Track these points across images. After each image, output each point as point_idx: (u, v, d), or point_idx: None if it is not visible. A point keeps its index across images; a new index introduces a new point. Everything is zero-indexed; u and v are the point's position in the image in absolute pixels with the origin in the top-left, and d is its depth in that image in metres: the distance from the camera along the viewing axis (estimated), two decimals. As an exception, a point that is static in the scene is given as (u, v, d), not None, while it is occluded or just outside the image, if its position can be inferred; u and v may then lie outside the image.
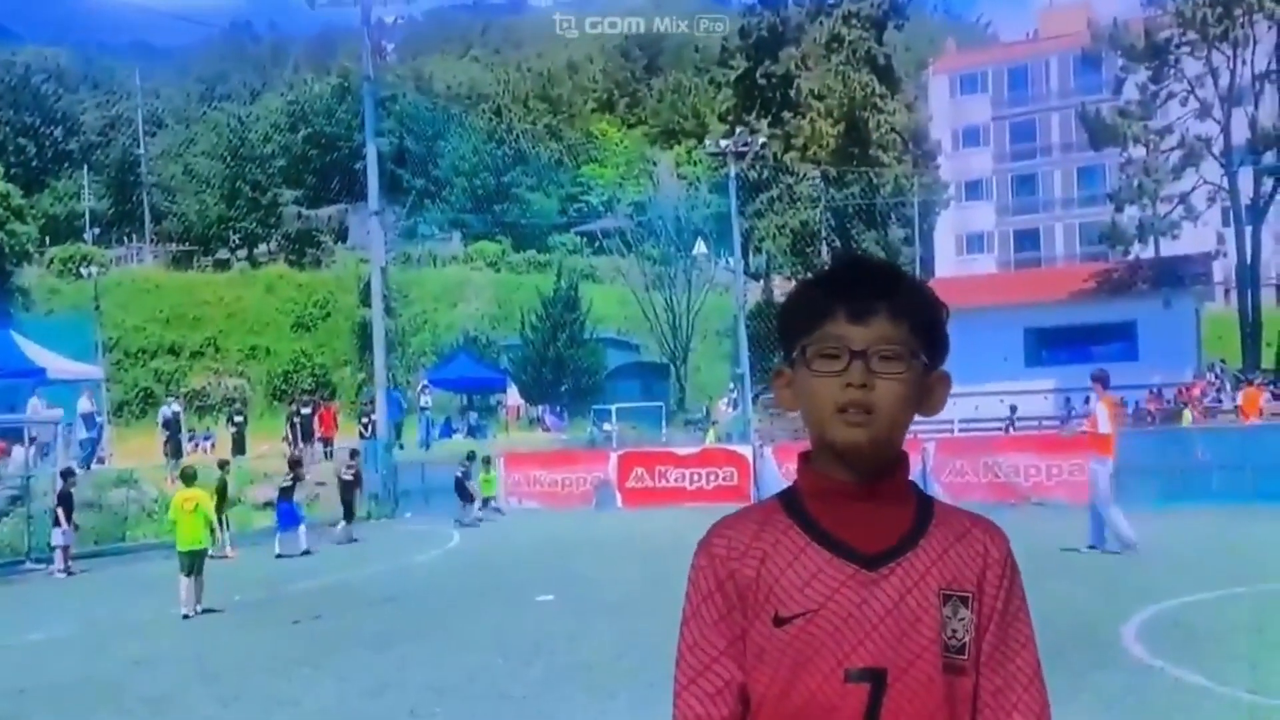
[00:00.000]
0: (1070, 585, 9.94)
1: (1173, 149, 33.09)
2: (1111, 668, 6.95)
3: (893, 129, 40.12)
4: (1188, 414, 23.78)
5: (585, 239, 44.67)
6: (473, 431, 31.14)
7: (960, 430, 23.55)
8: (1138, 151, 33.42)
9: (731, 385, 30.11)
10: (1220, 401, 25.85)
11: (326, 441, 25.62)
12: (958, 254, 46.38)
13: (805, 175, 38.98)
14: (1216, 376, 28.76)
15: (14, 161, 38.88)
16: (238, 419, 26.52)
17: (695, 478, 22.19)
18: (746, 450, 23.15)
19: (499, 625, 9.31)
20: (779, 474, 22.10)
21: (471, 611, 10.04)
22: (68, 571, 14.93)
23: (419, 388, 31.28)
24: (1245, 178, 32.73)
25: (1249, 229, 32.45)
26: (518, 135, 46.11)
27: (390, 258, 29.99)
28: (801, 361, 1.38)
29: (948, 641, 1.36)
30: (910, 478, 1.42)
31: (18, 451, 18.93)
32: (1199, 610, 8.72)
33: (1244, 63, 32.21)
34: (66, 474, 16.09)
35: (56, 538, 15.02)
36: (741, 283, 32.06)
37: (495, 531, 17.77)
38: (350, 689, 7.26)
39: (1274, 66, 32.63)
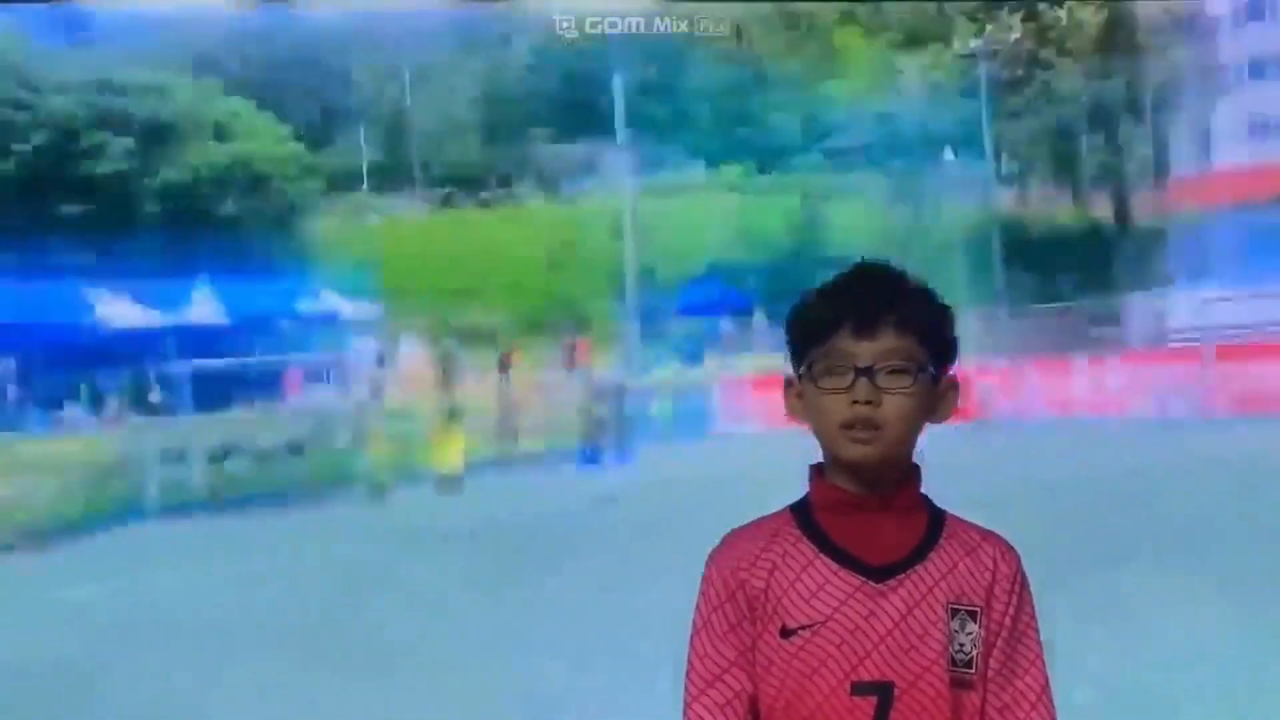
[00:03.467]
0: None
1: None
2: None
3: (1163, 9, 36.79)
4: None
5: (828, 157, 43.92)
6: (717, 356, 31.72)
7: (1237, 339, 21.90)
8: None
9: (982, 299, 29.10)
10: None
11: (583, 372, 27.04)
12: (1243, 141, 42.10)
13: (1064, 70, 36.59)
14: None
15: (302, 122, 42.38)
16: (499, 351, 28.39)
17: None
18: (996, 365, 22.56)
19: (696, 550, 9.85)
20: (1031, 390, 21.45)
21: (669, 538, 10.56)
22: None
23: (669, 315, 32.12)
24: None
25: None
26: (759, 56, 45.68)
27: (638, 189, 30.85)
28: (808, 377, 1.42)
29: (955, 656, 1.37)
30: (922, 490, 1.45)
31: (318, 388, 21.24)
32: None
33: None
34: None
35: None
36: (994, 190, 30.78)
37: (712, 456, 18.27)
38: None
39: None
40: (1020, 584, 1.44)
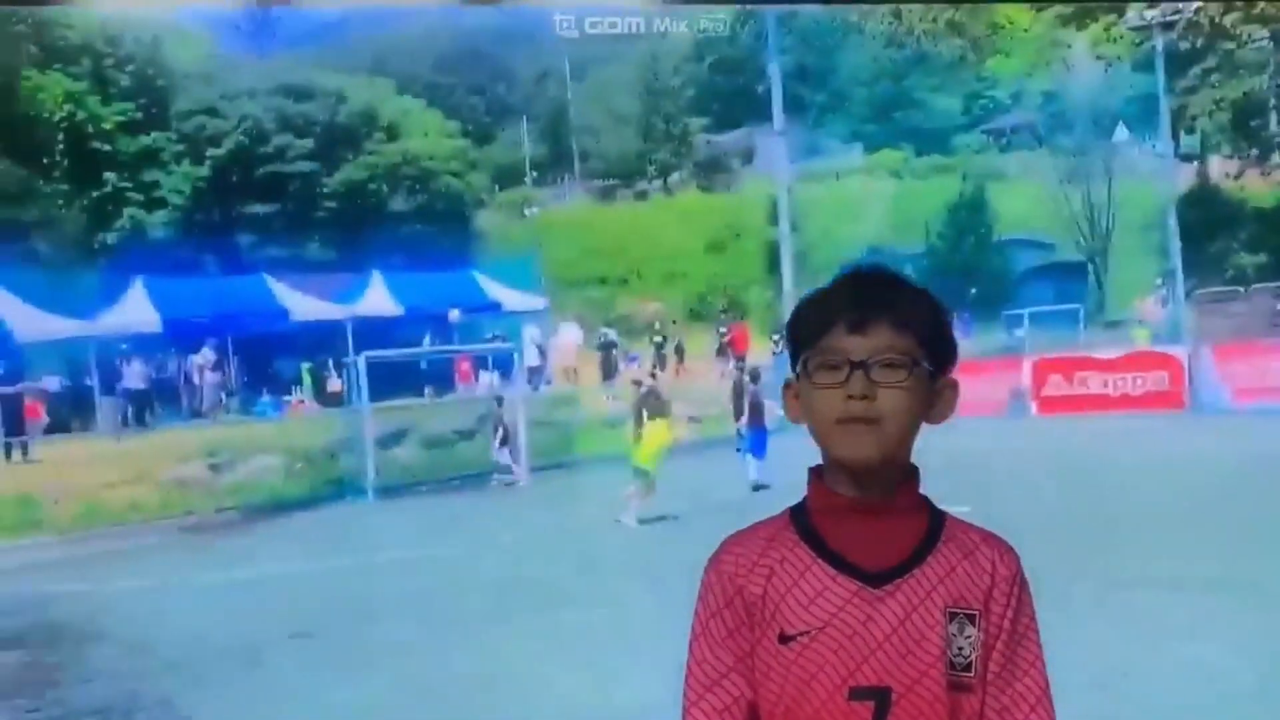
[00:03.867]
0: None
1: None
2: None
3: (1363, -31, 34.19)
4: None
5: (991, 137, 42.64)
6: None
7: None
8: None
9: (1160, 281, 27.89)
10: None
11: (740, 358, 27.20)
12: None
13: (1250, 38, 34.51)
14: None
15: (467, 118, 43.83)
16: (657, 339, 28.84)
17: (1120, 383, 21.15)
18: (1180, 351, 21.67)
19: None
20: (1217, 377, 20.56)
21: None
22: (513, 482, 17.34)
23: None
24: None
25: None
26: (918, 36, 44.67)
27: (794, 175, 30.75)
28: (804, 375, 1.39)
29: (953, 660, 1.35)
30: (921, 491, 1.42)
31: (484, 376, 22.08)
32: None
33: None
34: (499, 400, 18.69)
35: (502, 456, 17.69)
36: (1172, 167, 29.38)
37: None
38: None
39: None
40: (1019, 586, 1.41)
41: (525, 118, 45.81)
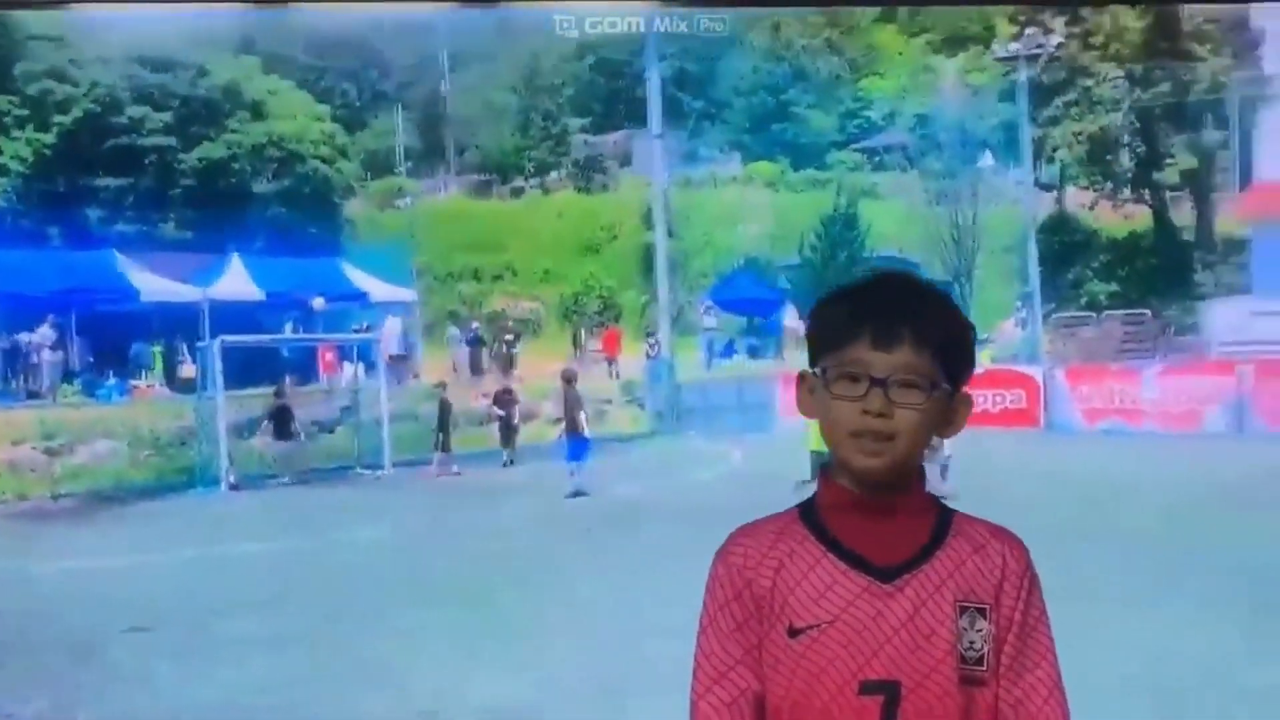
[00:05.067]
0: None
1: None
2: None
3: (1207, 18, 36.30)
4: None
5: (865, 155, 43.69)
6: (752, 352, 31.67)
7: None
8: None
9: (1019, 304, 28.94)
10: None
11: (610, 361, 27.09)
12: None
13: (1106, 76, 36.22)
14: None
15: (338, 104, 42.55)
16: (507, 338, 28.42)
17: (981, 400, 21.70)
18: (1036, 371, 22.40)
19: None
20: (1070, 397, 21.27)
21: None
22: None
23: (701, 308, 32.08)
24: None
25: None
26: (797, 51, 45.49)
27: (671, 181, 30.80)
28: (823, 380, 1.39)
29: (965, 653, 1.36)
30: (928, 489, 1.43)
31: (347, 367, 21.32)
32: None
33: None
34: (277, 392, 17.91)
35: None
36: (1032, 196, 30.53)
37: (774, 450, 18.24)
38: (643, 598, 7.96)
39: None
40: (1030, 579, 1.42)
41: (400, 106, 44.73)
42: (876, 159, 42.59)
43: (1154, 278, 30.64)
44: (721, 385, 23.92)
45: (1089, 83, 36.43)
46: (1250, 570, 7.97)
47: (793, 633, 1.37)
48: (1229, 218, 31.22)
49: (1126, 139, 34.96)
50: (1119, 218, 34.68)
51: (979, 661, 1.37)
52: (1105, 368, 22.44)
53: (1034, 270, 27.25)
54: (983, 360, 23.31)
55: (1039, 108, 33.09)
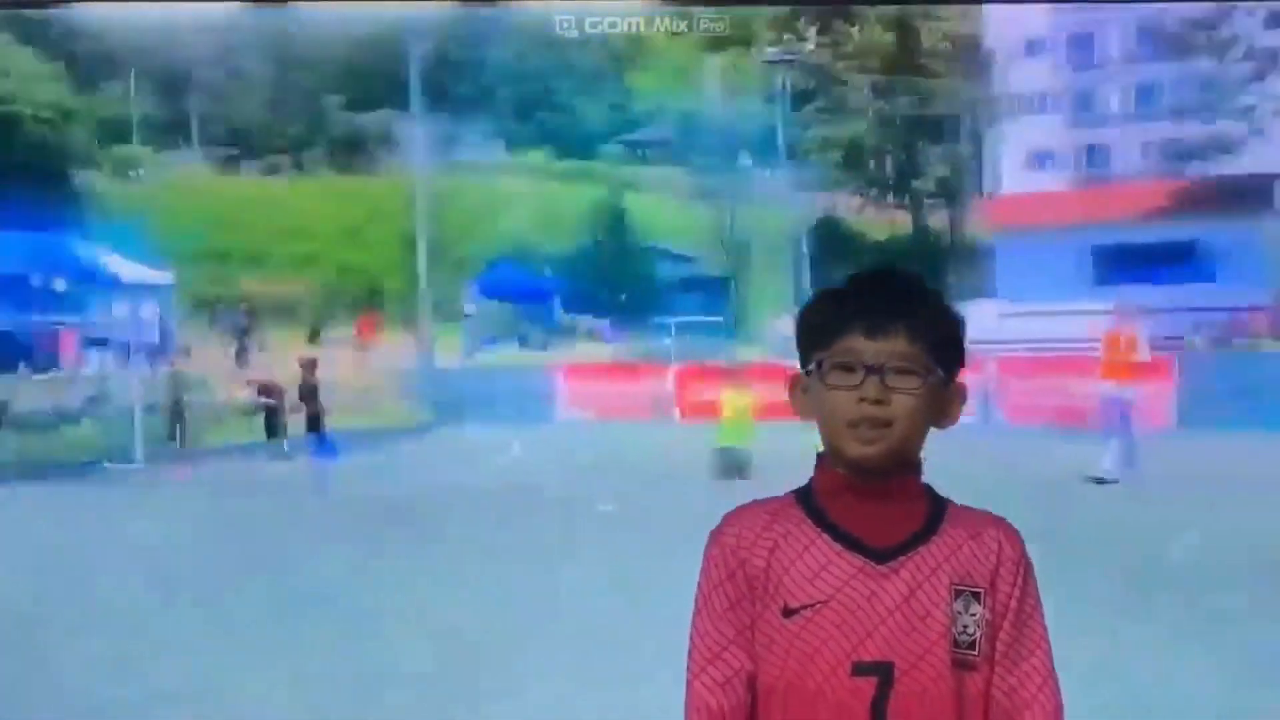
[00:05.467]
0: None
1: (1240, 60, 32.16)
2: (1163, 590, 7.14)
3: (945, 36, 39.10)
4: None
5: (631, 148, 44.25)
6: (522, 342, 31.32)
7: (1028, 350, 23.37)
8: (1202, 64, 32.54)
9: (795, 303, 30.03)
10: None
11: (367, 348, 26.03)
12: (1024, 169, 45.60)
13: (856, 86, 38.29)
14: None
15: (67, 63, 38.78)
16: (242, 321, 26.74)
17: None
18: (805, 365, 23.16)
19: (561, 534, 9.53)
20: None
21: (531, 521, 10.24)
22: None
23: (465, 296, 31.42)
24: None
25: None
26: (563, 41, 45.42)
27: (435, 166, 29.94)
28: (816, 374, 1.40)
29: (958, 637, 1.37)
30: (924, 479, 1.44)
31: (94, 355, 19.32)
32: None
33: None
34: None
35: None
36: (803, 196, 31.79)
37: (553, 443, 17.99)
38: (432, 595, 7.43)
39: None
40: (1025, 567, 1.44)
41: (134, 71, 41.27)
42: (642, 153, 43.30)
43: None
44: (497, 375, 23.42)
45: (841, 90, 38.42)
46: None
47: (787, 613, 1.38)
48: (977, 225, 33.72)
49: (889, 147, 37.06)
50: (882, 220, 36.77)
51: (971, 646, 1.38)
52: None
53: (805, 268, 28.34)
54: (754, 357, 24.35)
55: (796, 112, 34.50)
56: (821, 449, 1.43)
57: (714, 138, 36.08)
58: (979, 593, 1.39)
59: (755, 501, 1.47)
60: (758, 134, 35.92)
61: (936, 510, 1.43)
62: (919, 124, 36.38)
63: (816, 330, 1.42)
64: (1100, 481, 11.10)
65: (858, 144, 36.65)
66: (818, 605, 1.37)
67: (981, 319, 26.39)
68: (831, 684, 1.36)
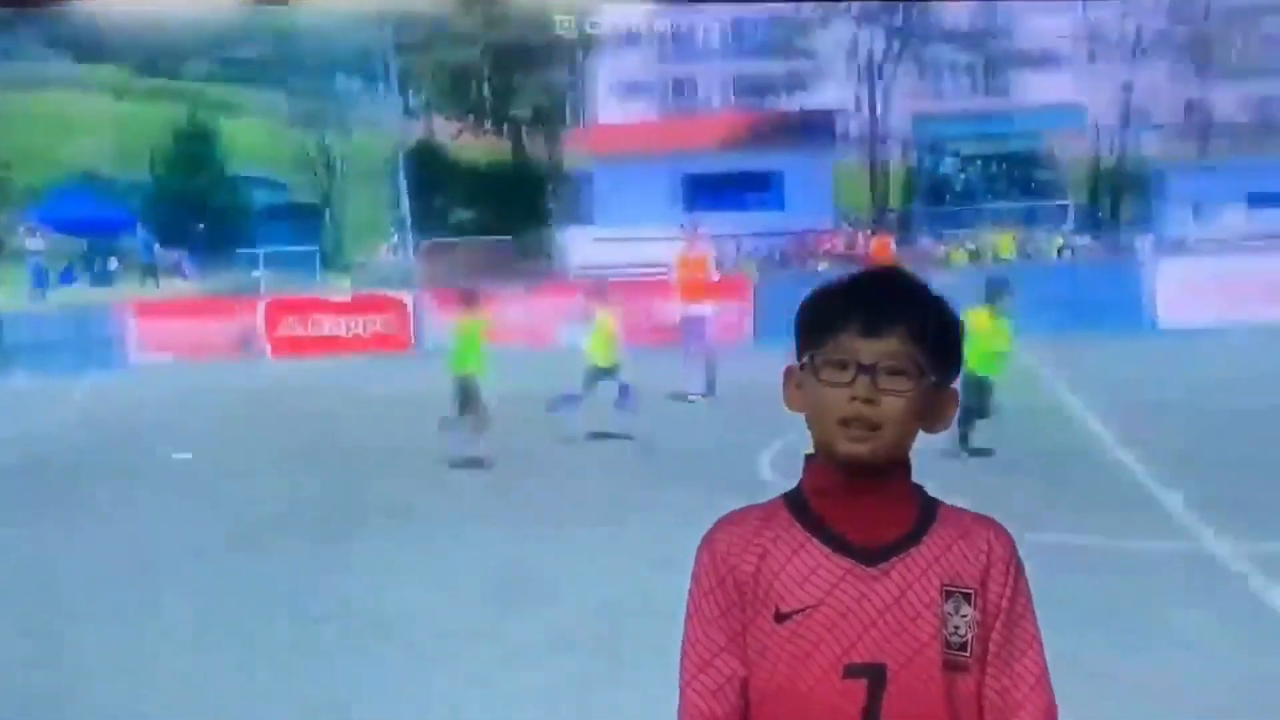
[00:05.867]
0: (722, 420, 10.46)
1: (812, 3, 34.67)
2: (753, 497, 7.35)
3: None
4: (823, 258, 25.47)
5: (223, 66, 40.81)
6: (97, 279, 28.11)
7: (623, 276, 23.95)
8: (782, 5, 34.69)
9: (393, 230, 29.01)
10: (854, 249, 27.96)
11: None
12: (618, 100, 46.82)
13: (459, 10, 37.38)
14: (851, 225, 31.11)
15: None
16: None
17: (352, 325, 21.38)
18: (406, 296, 22.55)
19: (130, 490, 8.62)
20: (440, 321, 21.73)
21: (95, 478, 9.26)
22: None
23: (23, 229, 27.71)
24: (877, 37, 34.93)
25: (878, 86, 34.87)
26: (141, -55, 40.84)
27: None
28: (810, 368, 1.39)
29: (949, 638, 1.37)
30: (914, 479, 1.43)
31: None
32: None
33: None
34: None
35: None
36: (400, 122, 30.64)
37: (125, 389, 16.20)
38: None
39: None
40: (1015, 567, 1.42)
41: None
42: (236, 72, 40.01)
43: (513, 206, 32.49)
44: (55, 318, 20.75)
45: (443, 14, 37.38)
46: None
47: (779, 618, 1.38)
48: (574, 154, 34.12)
49: (488, 74, 36.50)
50: (481, 148, 36.25)
51: (962, 647, 1.37)
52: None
53: (404, 197, 27.41)
54: (344, 286, 23.29)
55: (404, 36, 33.21)
56: (811, 450, 1.42)
57: (312, 59, 33.94)
58: (969, 594, 1.38)
59: (747, 507, 1.46)
60: (364, 57, 34.25)
61: (926, 511, 1.42)
62: (519, 52, 36.06)
63: (813, 325, 1.41)
64: (690, 398, 11.42)
65: (459, 70, 35.83)
66: (808, 609, 1.36)
67: (580, 244, 27.00)
68: (824, 687, 1.36)
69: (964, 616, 1.36)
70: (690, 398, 11.43)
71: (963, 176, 33.90)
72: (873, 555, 1.37)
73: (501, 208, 32.40)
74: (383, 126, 31.03)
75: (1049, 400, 10.68)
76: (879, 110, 35.07)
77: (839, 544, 1.37)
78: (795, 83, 34.66)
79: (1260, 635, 4.81)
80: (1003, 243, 26.64)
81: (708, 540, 1.45)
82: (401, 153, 28.22)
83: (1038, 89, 40.69)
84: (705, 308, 11.82)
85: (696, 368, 11.61)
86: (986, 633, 1.38)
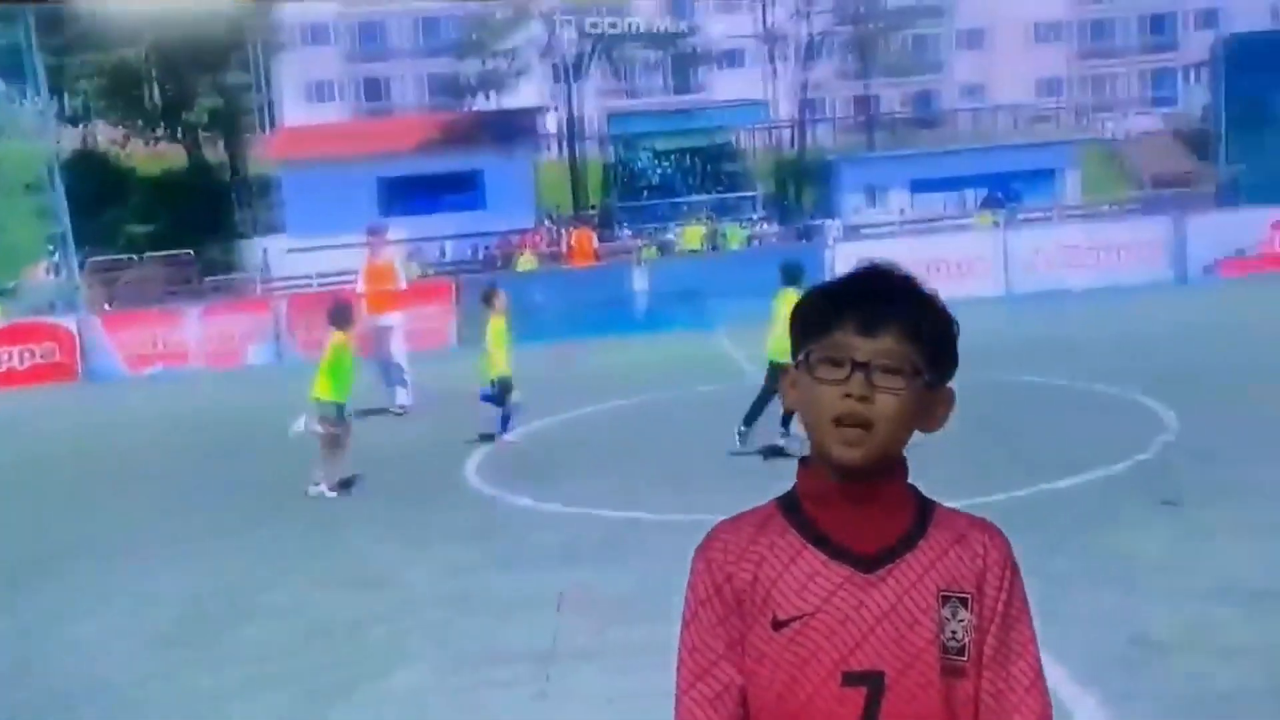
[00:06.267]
0: (425, 430, 9.93)
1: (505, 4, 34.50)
2: (459, 504, 7.11)
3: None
4: (528, 257, 25.23)
5: None
6: None
7: (320, 285, 22.84)
8: (474, 5, 34.31)
9: (51, 248, 26.07)
10: (557, 246, 27.95)
11: None
12: (306, 101, 44.74)
13: (120, 9, 34.45)
14: (553, 222, 31.18)
15: None
16: None
17: (6, 357, 19.17)
18: (70, 321, 20.42)
19: None
20: (111, 345, 19.95)
21: None
22: None
23: None
24: (569, 39, 35.17)
25: (574, 86, 35.13)
26: None
27: None
28: (805, 366, 1.39)
29: (946, 643, 1.36)
30: (910, 481, 1.43)
31: None
32: (528, 439, 9.15)
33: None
34: None
35: None
36: (53, 128, 27.71)
37: None
38: None
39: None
40: (1011, 569, 1.42)
41: None
42: None
43: (193, 218, 30.18)
44: None
45: (106, 13, 34.34)
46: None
47: (776, 625, 1.38)
48: (261, 159, 32.19)
49: (153, 74, 33.71)
50: (152, 156, 33.44)
51: (960, 652, 1.37)
52: (148, 312, 21.41)
53: (63, 210, 24.77)
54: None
55: (52, 35, 30.11)
56: (805, 453, 1.42)
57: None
58: (966, 598, 1.37)
59: (742, 514, 1.45)
60: (4, 56, 30.73)
61: (922, 514, 1.42)
62: (189, 51, 33.55)
63: (810, 323, 1.41)
64: (401, 411, 10.77)
65: (120, 71, 32.85)
66: (806, 617, 1.36)
67: (271, 255, 25.50)
68: (823, 694, 1.35)
69: (961, 621, 1.37)
70: (396, 409, 10.84)
71: (658, 171, 34.75)
72: (869, 561, 1.38)
73: (181, 220, 29.97)
74: (34, 134, 27.92)
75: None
76: (576, 109, 35.35)
77: (836, 550, 1.38)
78: (492, 82, 34.31)
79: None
80: (689, 235, 27.39)
81: (703, 548, 1.43)
82: (57, 163, 25.43)
83: (724, 86, 42.57)
84: (393, 317, 11.21)
85: (395, 379, 11.03)
86: (983, 636, 1.38)
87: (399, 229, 28.69)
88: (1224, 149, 28.16)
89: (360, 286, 11.38)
